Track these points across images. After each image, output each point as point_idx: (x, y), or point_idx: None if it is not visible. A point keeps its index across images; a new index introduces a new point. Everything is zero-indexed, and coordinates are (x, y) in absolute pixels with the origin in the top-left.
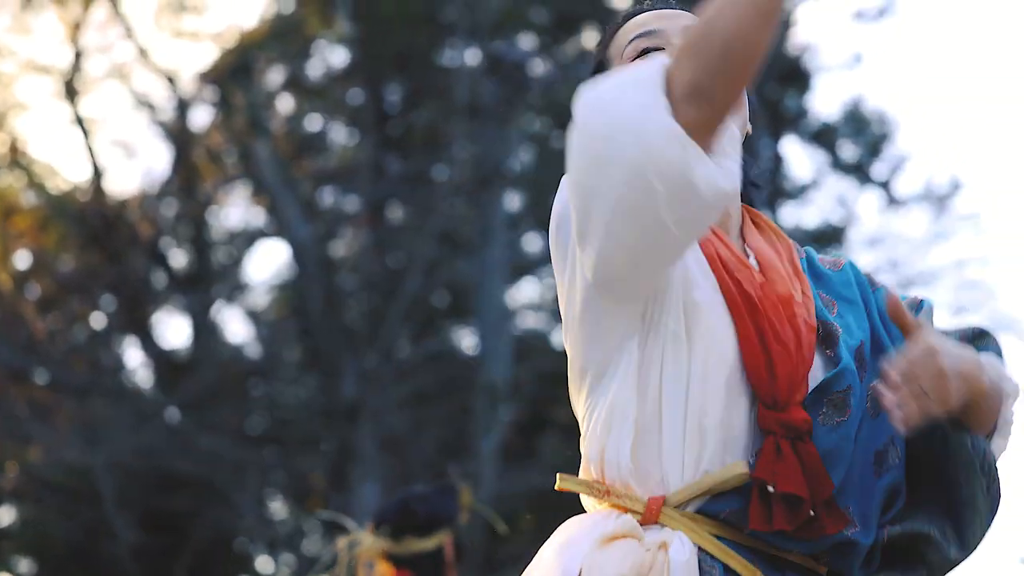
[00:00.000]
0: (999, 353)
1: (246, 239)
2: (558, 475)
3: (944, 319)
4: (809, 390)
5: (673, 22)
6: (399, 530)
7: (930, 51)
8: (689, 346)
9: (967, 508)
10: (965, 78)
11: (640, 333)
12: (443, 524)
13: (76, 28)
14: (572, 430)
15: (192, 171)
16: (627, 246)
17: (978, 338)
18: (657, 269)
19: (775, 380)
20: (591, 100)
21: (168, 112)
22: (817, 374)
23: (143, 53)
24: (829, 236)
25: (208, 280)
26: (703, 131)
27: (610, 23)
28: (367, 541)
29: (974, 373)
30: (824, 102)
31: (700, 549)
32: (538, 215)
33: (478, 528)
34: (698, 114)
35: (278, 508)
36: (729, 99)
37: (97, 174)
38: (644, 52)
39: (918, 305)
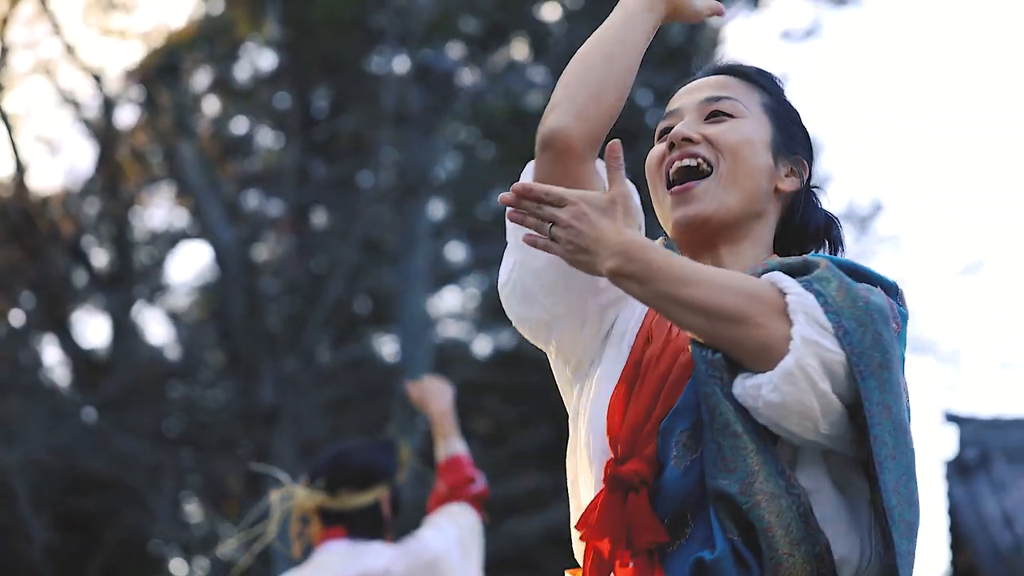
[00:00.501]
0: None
1: (168, 240)
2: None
3: None
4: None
5: (693, 96)
6: (334, 483)
7: (855, 72)
8: (580, 420)
9: None
10: (890, 100)
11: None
12: (380, 478)
13: (3, 23)
14: (490, 439)
15: (116, 170)
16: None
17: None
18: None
19: (619, 436)
20: None
21: (93, 110)
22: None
23: (70, 50)
24: None
25: (129, 280)
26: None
27: (540, 35)
28: (300, 495)
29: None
30: None
31: None
32: (462, 224)
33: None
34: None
35: (194, 511)
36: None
37: (20, 170)
38: (664, 132)
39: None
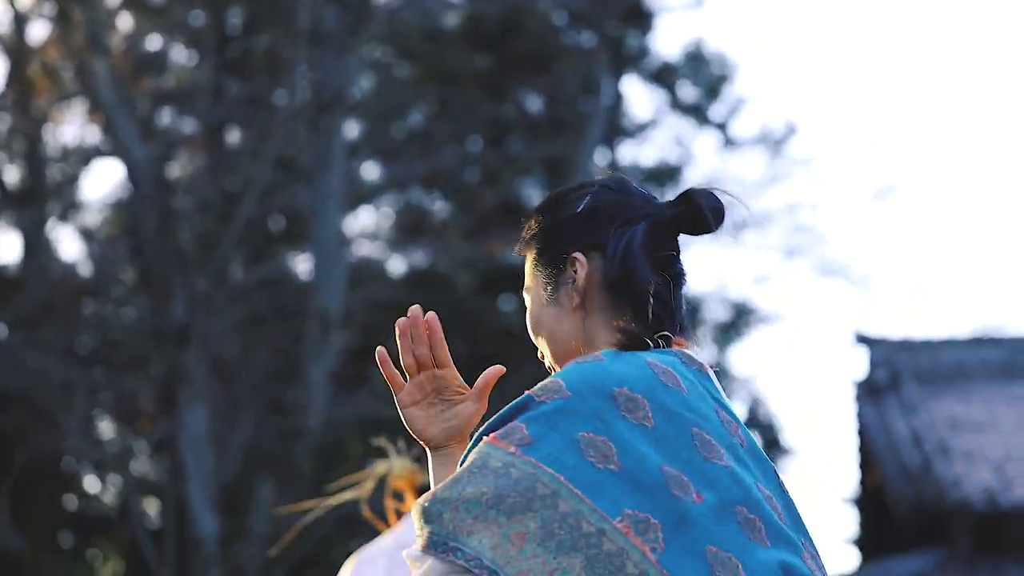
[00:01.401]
0: None
1: (81, 157)
2: None
3: (776, 261)
4: None
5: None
6: None
7: None
8: None
9: None
10: (805, 23)
11: None
12: None
13: None
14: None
15: (27, 86)
16: None
17: None
18: None
19: None
20: None
21: (4, 25)
22: None
23: None
24: (665, 175)
25: (41, 197)
26: None
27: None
28: (400, 468)
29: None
30: (665, 42)
31: None
32: (377, 143)
33: (307, 455)
34: None
35: (106, 428)
36: None
37: None
38: None
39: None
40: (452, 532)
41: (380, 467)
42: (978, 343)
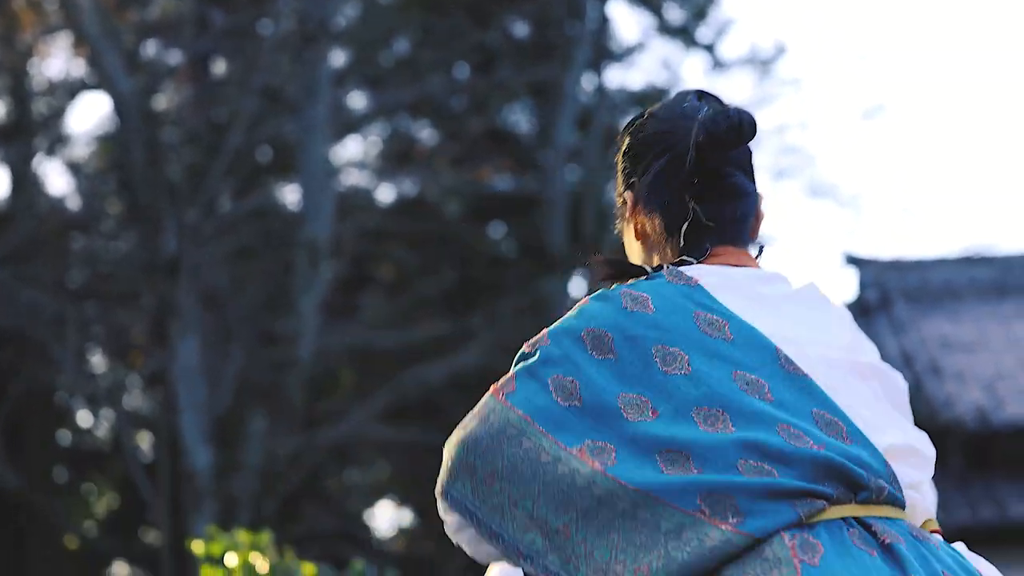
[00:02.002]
0: None
1: (67, 91)
2: None
3: (765, 183)
4: None
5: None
6: None
7: None
8: None
9: None
10: None
11: None
12: None
13: None
14: (392, 287)
15: (11, 20)
16: None
17: None
18: None
19: None
20: None
21: None
22: None
23: None
24: (653, 98)
25: (28, 131)
26: None
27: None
28: None
29: None
30: None
31: None
32: (363, 72)
33: (299, 385)
34: None
35: (98, 362)
36: None
37: None
38: None
39: None
40: (447, 479)
41: None
42: (968, 262)
